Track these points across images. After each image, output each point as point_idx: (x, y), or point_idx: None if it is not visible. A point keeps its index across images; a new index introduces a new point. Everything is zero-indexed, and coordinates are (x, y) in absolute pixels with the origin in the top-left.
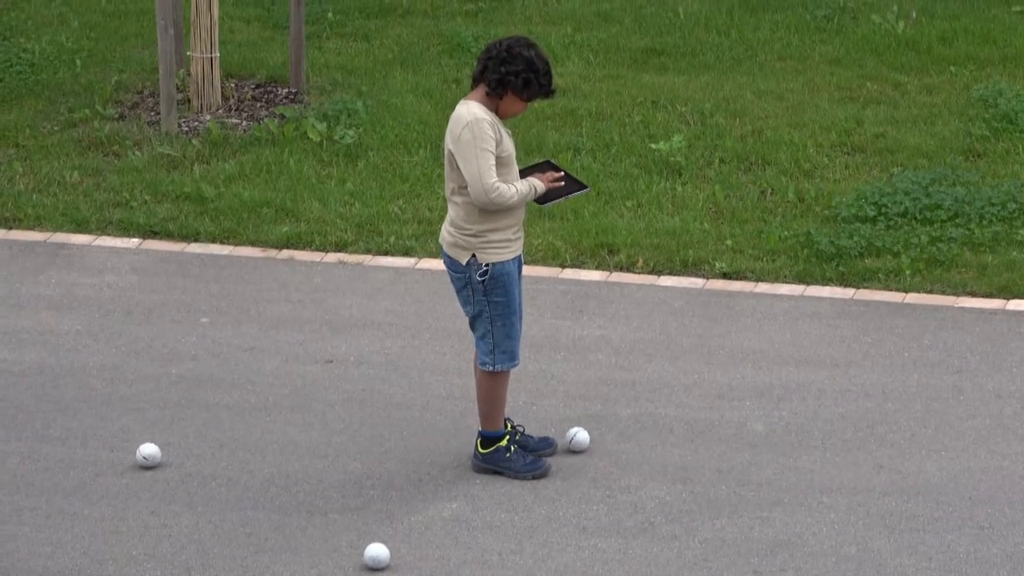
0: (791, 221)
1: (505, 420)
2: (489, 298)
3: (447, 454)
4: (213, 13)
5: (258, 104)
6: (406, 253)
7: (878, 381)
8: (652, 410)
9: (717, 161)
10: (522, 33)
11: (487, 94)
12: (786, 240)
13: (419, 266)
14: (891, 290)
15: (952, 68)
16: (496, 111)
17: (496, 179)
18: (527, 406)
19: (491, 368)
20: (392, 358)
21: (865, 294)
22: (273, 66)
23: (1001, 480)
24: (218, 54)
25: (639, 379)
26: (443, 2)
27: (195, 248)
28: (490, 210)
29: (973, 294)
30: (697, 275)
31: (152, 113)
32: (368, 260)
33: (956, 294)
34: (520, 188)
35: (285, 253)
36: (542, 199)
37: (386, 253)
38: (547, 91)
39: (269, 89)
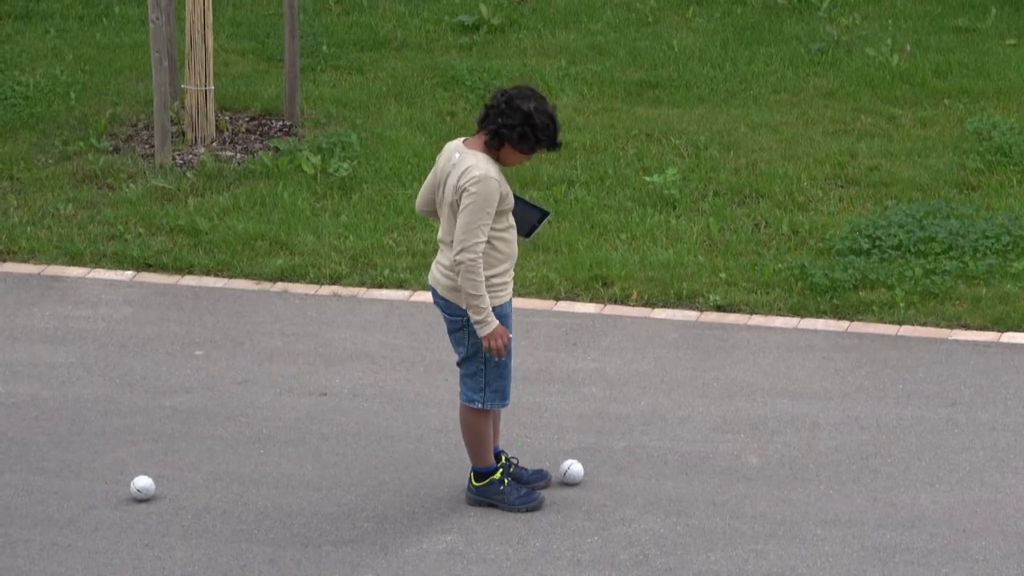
0: (785, 254)
1: (500, 453)
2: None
3: (441, 487)
4: (208, 46)
5: (252, 137)
6: (400, 286)
7: (872, 413)
8: (646, 443)
9: (711, 194)
10: (516, 65)
11: (486, 143)
12: (780, 273)
13: (413, 299)
14: (885, 323)
15: (946, 101)
16: (497, 159)
17: (481, 241)
18: (521, 439)
19: (480, 405)
20: (386, 391)
21: (859, 327)
22: (268, 99)
23: (996, 513)
24: (213, 87)
25: (633, 412)
26: (438, 35)
27: (189, 281)
28: (458, 264)
29: (967, 327)
30: (691, 308)
31: (146, 146)
32: (362, 293)
33: (950, 327)
34: (484, 301)
35: (279, 286)
36: (527, 232)
37: (380, 286)
38: (550, 145)
39: (263, 122)
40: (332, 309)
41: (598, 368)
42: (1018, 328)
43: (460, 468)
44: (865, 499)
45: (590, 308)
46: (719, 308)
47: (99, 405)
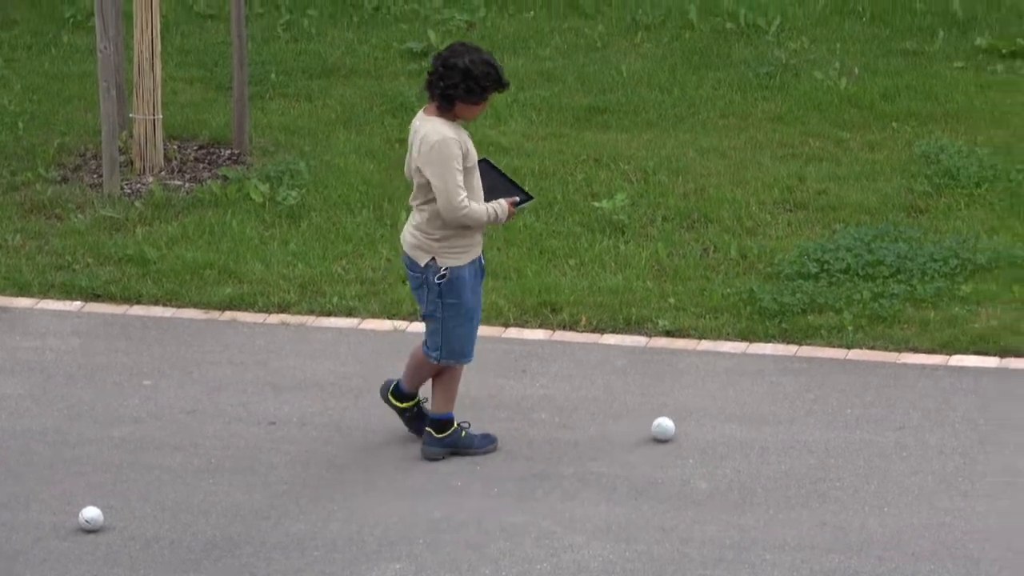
0: (734, 278)
1: (415, 393)
2: (443, 300)
3: (390, 515)
4: (156, 75)
5: (201, 165)
6: (349, 314)
7: (821, 438)
8: (595, 469)
9: (660, 219)
10: None
11: (438, 107)
12: (729, 297)
13: (362, 327)
14: (834, 346)
15: (894, 124)
16: (456, 118)
17: (464, 196)
18: (470, 465)
19: (436, 360)
20: (335, 419)
21: (808, 351)
22: (216, 127)
23: (944, 536)
24: (161, 116)
25: (582, 438)
26: (386, 62)
27: (137, 311)
28: (457, 226)
29: (915, 350)
30: (640, 333)
31: (95, 175)
32: (311, 321)
33: (898, 350)
34: (489, 211)
35: (228, 315)
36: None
37: (329, 314)
38: (498, 87)
39: (212, 150)
40: (281, 338)
41: (547, 394)
42: (966, 351)
43: (409, 498)
44: (814, 523)
45: (539, 334)
46: (668, 333)
47: (47, 436)
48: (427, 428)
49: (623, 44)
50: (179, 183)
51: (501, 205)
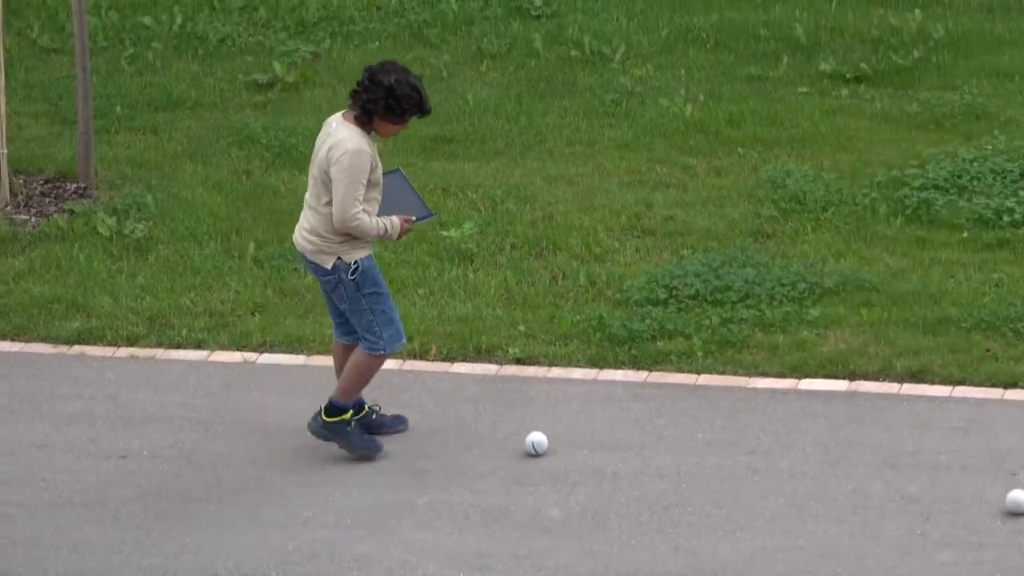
0: (583, 305)
1: (363, 403)
2: (362, 292)
3: (243, 547)
4: (0, 109)
5: (47, 200)
6: (198, 346)
7: (672, 463)
8: (447, 498)
9: (508, 247)
10: (312, 122)
11: (356, 118)
12: (578, 324)
13: (212, 359)
14: (684, 372)
15: (740, 150)
16: (372, 132)
17: (359, 209)
18: (324, 497)
19: (382, 351)
20: (185, 452)
21: (658, 377)
22: (62, 161)
23: (796, 560)
24: (5, 150)
25: (434, 467)
26: (232, 94)
27: None
28: (345, 232)
29: (765, 374)
30: (490, 361)
31: None
32: (160, 354)
33: (748, 375)
34: (379, 226)
35: (76, 349)
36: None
37: (178, 347)
38: (419, 112)
39: (58, 184)
40: (130, 371)
41: None
42: (815, 375)
43: (261, 529)
44: (667, 549)
45: (389, 363)
46: (518, 361)
47: None
48: (322, 405)
49: (469, 73)
50: (25, 217)
51: (393, 222)
